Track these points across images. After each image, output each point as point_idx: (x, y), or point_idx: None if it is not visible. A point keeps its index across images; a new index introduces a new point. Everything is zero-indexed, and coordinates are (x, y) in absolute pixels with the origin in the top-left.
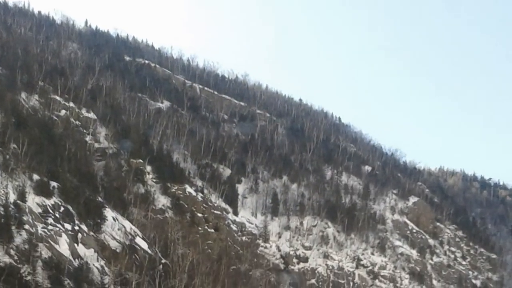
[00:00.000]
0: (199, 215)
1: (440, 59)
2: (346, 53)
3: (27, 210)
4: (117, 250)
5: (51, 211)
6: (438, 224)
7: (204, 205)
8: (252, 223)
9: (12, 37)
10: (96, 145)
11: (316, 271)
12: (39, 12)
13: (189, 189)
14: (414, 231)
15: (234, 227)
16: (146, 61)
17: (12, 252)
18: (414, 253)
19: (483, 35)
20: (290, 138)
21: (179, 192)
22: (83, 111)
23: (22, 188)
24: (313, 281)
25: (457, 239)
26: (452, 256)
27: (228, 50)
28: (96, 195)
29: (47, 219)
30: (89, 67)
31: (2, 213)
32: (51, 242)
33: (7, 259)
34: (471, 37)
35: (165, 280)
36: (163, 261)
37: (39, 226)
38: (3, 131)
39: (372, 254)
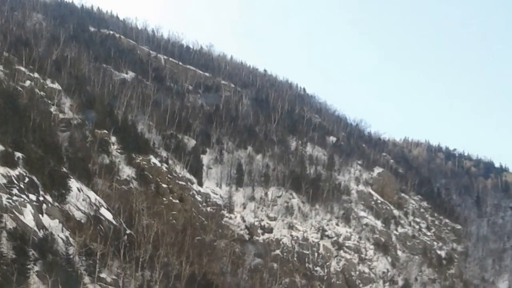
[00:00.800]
0: (164, 185)
1: (405, 32)
2: (311, 25)
3: None
4: (82, 221)
5: (15, 181)
6: (402, 194)
7: (168, 175)
8: (216, 194)
9: None
10: (61, 115)
11: (280, 242)
12: None
13: (153, 159)
14: (379, 201)
15: (198, 198)
16: (111, 32)
17: None
18: (378, 224)
19: (447, 6)
20: (255, 109)
21: (144, 162)
22: (48, 82)
23: None
24: (277, 251)
25: (421, 210)
26: (417, 226)
27: (192, 21)
28: (60, 166)
29: (11, 190)
30: (54, 38)
31: None
32: (16, 213)
33: None
34: (434, 9)
35: (129, 251)
36: (128, 231)
37: (4, 196)
38: None
39: (337, 224)
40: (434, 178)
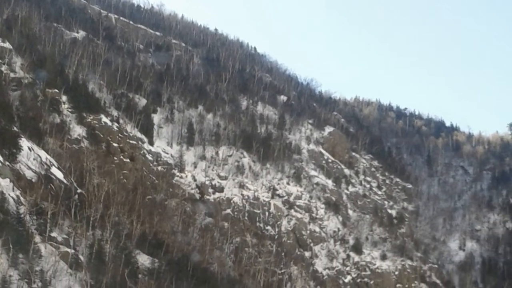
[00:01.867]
0: (115, 145)
1: None
2: None
3: None
4: (33, 180)
5: None
6: (353, 154)
7: (119, 135)
8: (167, 153)
9: None
10: (12, 75)
11: (231, 201)
12: None
13: (104, 119)
14: (330, 161)
15: (149, 157)
16: None
17: None
18: (329, 183)
19: None
20: (206, 68)
21: (95, 122)
22: None
23: None
24: (228, 211)
25: (372, 169)
26: (368, 186)
27: None
28: (11, 125)
29: None
30: None
31: None
32: None
33: None
34: None
35: (80, 210)
36: (79, 191)
37: None
38: None
39: (288, 184)
40: (385, 138)
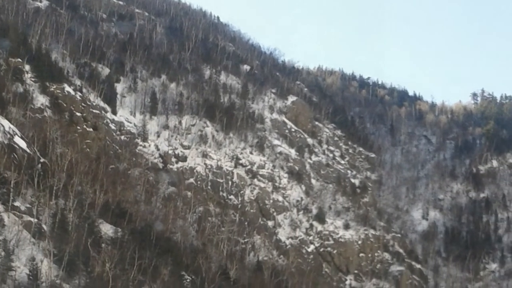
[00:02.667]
0: (78, 114)
1: None
2: None
3: None
4: None
5: None
6: (316, 123)
7: (82, 104)
8: (130, 122)
9: None
10: None
11: (194, 170)
12: None
13: (67, 88)
14: (293, 130)
15: (112, 126)
16: None
17: None
18: (292, 152)
19: None
20: (169, 37)
21: (58, 91)
22: None
23: None
24: (191, 180)
25: (335, 138)
26: (331, 155)
27: None
28: None
29: None
30: None
31: None
32: None
33: None
34: None
35: (43, 179)
36: (42, 160)
37: None
38: None
39: (251, 153)
40: (348, 107)
